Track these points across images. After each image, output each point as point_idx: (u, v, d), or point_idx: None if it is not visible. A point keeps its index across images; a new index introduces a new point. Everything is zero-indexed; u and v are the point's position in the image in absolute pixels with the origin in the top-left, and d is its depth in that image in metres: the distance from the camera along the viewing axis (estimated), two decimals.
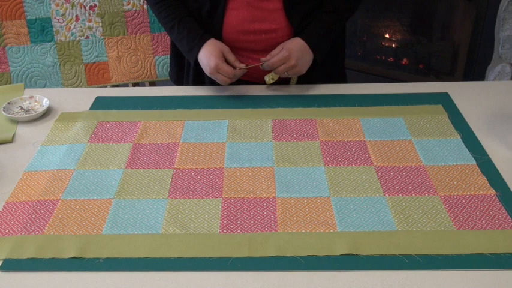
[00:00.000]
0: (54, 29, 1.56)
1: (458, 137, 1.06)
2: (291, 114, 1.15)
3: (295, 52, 1.17)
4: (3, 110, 1.17)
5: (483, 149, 1.03)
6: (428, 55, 2.38)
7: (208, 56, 1.17)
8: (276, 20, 1.22)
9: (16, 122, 1.16)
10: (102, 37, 1.60)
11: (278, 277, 0.76)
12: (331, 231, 0.83)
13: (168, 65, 1.66)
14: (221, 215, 0.87)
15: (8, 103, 1.19)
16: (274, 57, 1.17)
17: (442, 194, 0.90)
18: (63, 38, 1.57)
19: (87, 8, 1.56)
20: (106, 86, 1.63)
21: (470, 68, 2.20)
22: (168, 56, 1.65)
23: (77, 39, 1.58)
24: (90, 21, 1.58)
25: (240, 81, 1.26)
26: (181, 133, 1.10)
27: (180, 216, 0.87)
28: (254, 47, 1.25)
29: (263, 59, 1.18)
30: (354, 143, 1.05)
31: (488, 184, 0.92)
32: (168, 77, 1.67)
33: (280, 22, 1.22)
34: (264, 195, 0.91)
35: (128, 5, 1.58)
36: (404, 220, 0.85)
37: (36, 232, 0.84)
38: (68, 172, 0.98)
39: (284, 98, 1.22)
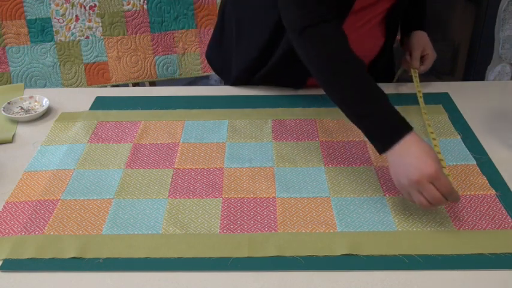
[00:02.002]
0: (54, 29, 1.56)
1: (458, 137, 1.06)
2: (291, 114, 1.15)
3: (427, 45, 1.23)
4: (3, 110, 1.17)
5: (483, 149, 1.03)
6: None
7: (424, 156, 0.81)
8: (373, 37, 1.19)
9: (16, 122, 1.16)
10: (102, 37, 1.60)
11: (278, 277, 0.76)
12: (331, 231, 0.83)
13: (168, 64, 1.66)
14: (221, 215, 0.87)
15: (8, 103, 1.19)
16: (426, 61, 1.22)
17: None
18: (63, 38, 1.57)
19: (87, 8, 1.56)
20: (106, 86, 1.63)
21: (470, 68, 2.20)
22: (168, 56, 1.65)
23: (77, 39, 1.58)
24: (90, 21, 1.58)
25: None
26: (181, 133, 1.09)
27: (180, 216, 0.87)
28: None
29: (415, 66, 1.22)
30: (354, 143, 1.05)
31: (488, 184, 0.92)
32: (168, 77, 1.67)
33: (376, 38, 1.21)
34: (264, 195, 0.91)
35: (128, 5, 1.58)
36: (405, 220, 0.85)
37: (36, 232, 0.84)
38: (68, 172, 0.98)
39: (284, 98, 1.22)
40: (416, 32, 1.26)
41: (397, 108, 0.91)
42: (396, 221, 0.85)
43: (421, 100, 1.14)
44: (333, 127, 1.10)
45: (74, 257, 0.79)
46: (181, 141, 1.07)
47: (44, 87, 1.59)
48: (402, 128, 0.84)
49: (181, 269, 0.77)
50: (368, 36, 1.16)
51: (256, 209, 0.88)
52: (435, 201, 0.79)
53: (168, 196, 0.91)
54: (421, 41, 1.25)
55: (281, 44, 1.15)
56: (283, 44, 1.14)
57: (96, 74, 1.62)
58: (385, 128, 0.85)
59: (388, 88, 1.26)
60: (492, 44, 2.08)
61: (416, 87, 1.18)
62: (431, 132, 1.04)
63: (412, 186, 0.80)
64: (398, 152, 0.82)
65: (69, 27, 1.57)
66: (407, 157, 0.81)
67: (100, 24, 1.58)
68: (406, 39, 1.28)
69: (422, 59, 1.24)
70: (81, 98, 1.25)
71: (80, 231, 0.84)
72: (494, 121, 1.12)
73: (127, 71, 1.64)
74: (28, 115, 1.16)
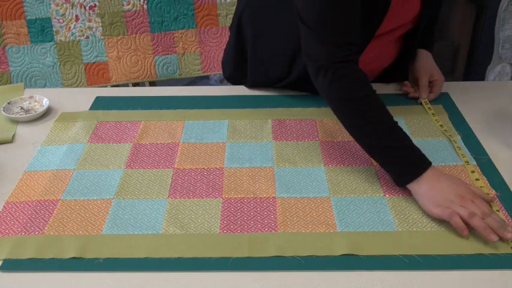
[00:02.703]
0: (54, 29, 1.56)
1: (459, 137, 1.06)
2: (291, 114, 1.15)
3: (434, 70, 1.21)
4: (3, 110, 1.17)
5: (483, 149, 1.03)
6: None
7: (457, 179, 0.89)
8: (386, 56, 1.20)
9: (16, 122, 1.16)
10: (102, 37, 1.60)
11: (278, 277, 0.76)
12: (331, 231, 0.83)
13: (168, 64, 1.66)
14: (221, 215, 0.87)
15: (8, 103, 1.19)
16: (435, 88, 1.20)
17: None
18: (63, 38, 1.57)
19: (87, 8, 1.56)
20: (106, 86, 1.63)
21: (470, 68, 2.20)
22: (168, 56, 1.65)
23: (77, 39, 1.58)
24: (90, 21, 1.58)
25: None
26: (181, 133, 1.09)
27: (180, 216, 0.87)
28: None
29: (424, 96, 1.19)
30: (354, 143, 1.05)
31: (489, 184, 0.92)
32: (168, 77, 1.67)
33: (390, 56, 1.21)
34: (264, 195, 0.91)
35: (128, 5, 1.58)
36: (405, 220, 0.85)
37: (36, 232, 0.84)
38: (68, 172, 0.98)
39: (284, 98, 1.22)
40: (420, 52, 1.24)
41: (398, 108, 0.93)
42: (396, 221, 0.85)
43: (440, 125, 1.10)
44: (333, 127, 1.10)
45: (74, 257, 0.79)
46: (181, 141, 1.07)
47: (44, 87, 1.59)
48: (427, 160, 0.89)
49: (181, 269, 0.77)
50: (381, 54, 1.16)
51: (256, 209, 0.88)
52: (481, 211, 0.81)
53: (168, 196, 0.91)
54: (427, 65, 1.22)
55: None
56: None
57: (96, 74, 1.62)
58: (414, 159, 0.89)
59: (388, 88, 1.26)
60: (492, 44, 2.08)
61: (433, 120, 1.12)
62: (450, 135, 1.06)
63: (453, 200, 0.83)
64: (428, 180, 0.86)
65: (69, 27, 1.57)
66: (439, 182, 0.86)
67: (100, 24, 1.58)
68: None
69: (430, 84, 1.21)
70: (81, 98, 1.25)
71: (80, 231, 0.84)
72: (494, 121, 1.12)
73: (127, 71, 1.64)
74: (28, 115, 1.16)
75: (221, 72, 1.40)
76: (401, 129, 0.92)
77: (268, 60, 1.20)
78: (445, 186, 0.85)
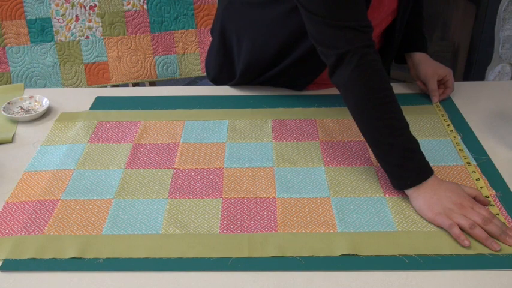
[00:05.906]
0: (54, 29, 1.56)
1: (459, 137, 1.06)
2: (291, 114, 1.15)
3: (439, 69, 1.21)
4: (3, 110, 1.17)
5: (483, 149, 1.03)
6: (429, 55, 2.38)
7: (459, 186, 0.88)
8: None
9: (16, 122, 1.16)
10: (102, 37, 1.60)
11: (278, 277, 0.76)
12: (331, 231, 0.83)
13: (168, 64, 1.66)
14: (221, 215, 0.87)
15: (8, 103, 1.19)
16: (448, 82, 1.20)
17: None
18: (63, 38, 1.57)
19: (87, 8, 1.57)
20: (106, 86, 1.63)
21: (470, 68, 2.20)
22: (168, 56, 1.65)
23: (77, 39, 1.58)
24: (90, 21, 1.58)
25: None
26: (181, 133, 1.10)
27: (180, 216, 0.87)
28: None
29: (435, 101, 1.19)
30: (354, 143, 1.05)
31: (489, 184, 0.92)
32: (168, 77, 1.67)
33: None
34: (264, 195, 0.91)
35: (128, 5, 1.58)
36: (405, 220, 0.85)
37: (36, 232, 0.84)
38: (68, 172, 0.98)
39: (284, 98, 1.22)
40: (417, 56, 1.23)
41: (405, 107, 0.93)
42: (396, 221, 0.85)
43: (447, 125, 1.11)
44: (333, 127, 1.10)
45: (74, 257, 0.79)
46: (181, 141, 1.07)
47: (44, 87, 1.59)
48: (430, 169, 0.89)
49: (181, 269, 0.77)
50: None
51: (256, 209, 0.88)
52: (482, 218, 0.81)
53: (168, 196, 0.91)
54: (429, 68, 1.21)
55: (291, 54, 1.14)
56: (293, 52, 1.13)
57: (96, 74, 1.62)
58: (419, 165, 0.88)
59: None
60: (492, 44, 2.08)
61: (442, 121, 1.12)
62: (454, 137, 1.06)
63: (453, 209, 0.83)
64: (429, 189, 0.86)
65: (69, 27, 1.57)
66: (439, 190, 0.86)
67: (100, 24, 1.58)
68: (409, 60, 1.26)
69: (441, 81, 1.21)
70: (81, 98, 1.25)
71: (80, 231, 0.84)
72: (494, 121, 1.12)
73: (127, 71, 1.64)
74: (28, 115, 1.16)
75: None
76: (411, 133, 0.91)
77: (254, 55, 1.19)
78: (445, 195, 0.85)
